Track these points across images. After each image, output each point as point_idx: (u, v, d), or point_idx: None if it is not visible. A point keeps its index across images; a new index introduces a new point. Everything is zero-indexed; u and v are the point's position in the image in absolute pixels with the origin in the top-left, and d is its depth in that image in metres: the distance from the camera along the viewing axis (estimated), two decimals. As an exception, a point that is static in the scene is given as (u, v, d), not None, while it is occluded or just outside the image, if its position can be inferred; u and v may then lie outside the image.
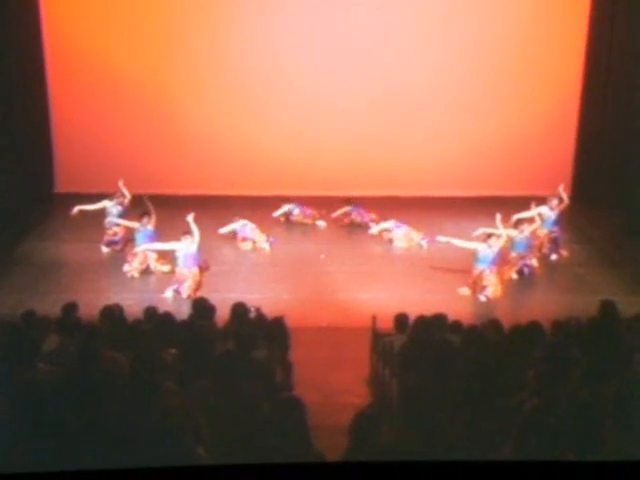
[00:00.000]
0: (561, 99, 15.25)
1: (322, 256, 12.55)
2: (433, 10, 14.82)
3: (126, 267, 11.68)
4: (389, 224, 13.14)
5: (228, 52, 14.95)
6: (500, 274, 11.31)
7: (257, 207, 13.40)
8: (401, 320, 8.00)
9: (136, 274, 11.63)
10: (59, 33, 14.64)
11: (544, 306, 10.82)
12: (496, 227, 11.36)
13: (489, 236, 11.19)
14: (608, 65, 14.72)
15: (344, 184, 14.07)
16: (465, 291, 11.20)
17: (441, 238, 11.67)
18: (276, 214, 13.80)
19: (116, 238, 12.52)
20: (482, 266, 11.13)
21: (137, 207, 12.32)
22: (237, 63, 14.97)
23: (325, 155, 15.14)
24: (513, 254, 11.80)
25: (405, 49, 14.95)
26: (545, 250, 12.47)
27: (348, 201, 13.87)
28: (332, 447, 4.89)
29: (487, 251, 11.13)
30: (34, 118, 14.66)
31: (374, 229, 13.25)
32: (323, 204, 14.00)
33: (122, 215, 12.50)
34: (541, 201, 12.43)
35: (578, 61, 15.02)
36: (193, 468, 4.30)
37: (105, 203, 12.59)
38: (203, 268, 11.27)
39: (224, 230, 12.90)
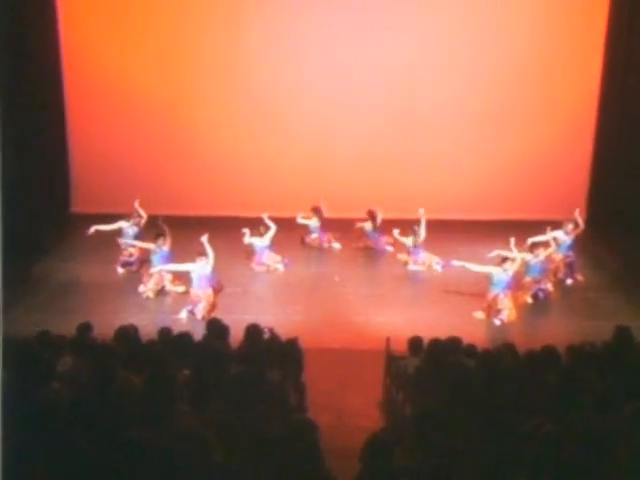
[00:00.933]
0: (576, 124, 15.25)
1: (336, 278, 12.56)
2: (449, 36, 14.89)
3: (141, 288, 11.73)
4: (409, 242, 13.10)
5: (245, 75, 15.06)
6: (515, 298, 11.28)
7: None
8: (415, 343, 7.99)
9: (151, 295, 11.68)
10: (77, 53, 14.79)
11: (559, 331, 10.77)
12: (510, 251, 11.33)
13: (504, 260, 11.16)
14: (623, 90, 14.72)
15: (359, 206, 14.07)
16: (480, 315, 11.16)
17: (456, 262, 11.62)
18: (300, 220, 13.84)
19: (132, 259, 12.59)
20: (497, 290, 11.10)
21: (153, 228, 12.39)
22: (254, 85, 15.07)
23: (340, 178, 15.18)
24: (528, 278, 11.76)
25: (420, 74, 15.00)
26: (560, 275, 12.43)
27: (371, 213, 13.87)
28: (344, 469, 4.89)
29: (502, 275, 11.10)
30: (51, 138, 14.80)
31: (396, 234, 13.16)
32: (338, 226, 14.01)
33: (138, 236, 12.57)
34: (556, 225, 12.40)
35: (593, 85, 15.03)
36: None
37: (121, 224, 12.67)
38: (217, 289, 11.32)
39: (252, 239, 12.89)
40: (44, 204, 14.16)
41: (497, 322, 10.99)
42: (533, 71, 14.96)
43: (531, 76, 14.99)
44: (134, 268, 12.48)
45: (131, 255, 12.57)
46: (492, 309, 11.09)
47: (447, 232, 14.11)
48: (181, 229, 12.48)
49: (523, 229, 12.52)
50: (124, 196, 14.03)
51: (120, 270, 12.54)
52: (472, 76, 15.01)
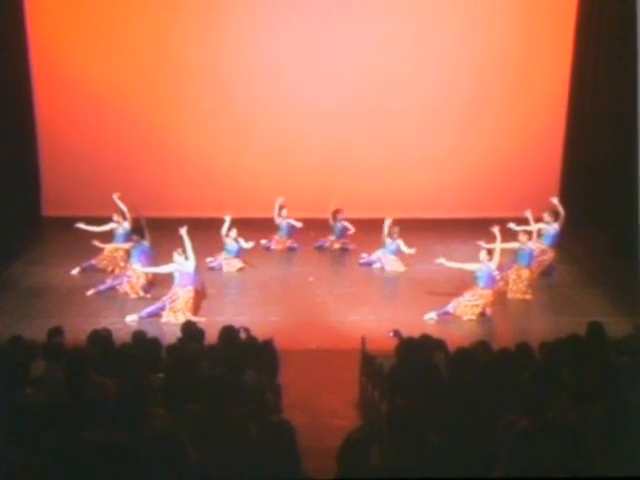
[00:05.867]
0: (547, 124, 15.40)
1: (310, 279, 12.56)
2: (420, 34, 14.99)
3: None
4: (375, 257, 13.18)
5: (219, 76, 15.05)
6: (497, 293, 11.32)
7: (244, 229, 13.34)
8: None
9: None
10: (46, 54, 14.70)
11: (533, 327, 10.86)
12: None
13: (489, 252, 11.18)
14: (593, 88, 14.86)
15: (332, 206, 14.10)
16: (471, 316, 11.13)
17: (441, 260, 11.52)
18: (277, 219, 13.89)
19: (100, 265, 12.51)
20: (481, 284, 11.13)
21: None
22: (227, 86, 15.09)
23: (313, 178, 15.22)
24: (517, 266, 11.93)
25: (391, 74, 15.09)
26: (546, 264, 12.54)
27: (338, 211, 13.83)
28: (321, 470, 4.88)
29: (484, 269, 11.14)
30: (21, 141, 14.65)
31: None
32: (312, 226, 13.99)
33: (129, 234, 12.37)
34: (521, 222, 12.43)
35: (563, 84, 15.18)
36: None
37: (111, 225, 12.54)
38: (199, 290, 11.22)
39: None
40: (15, 208, 14.00)
41: (469, 317, 11.05)
42: (504, 70, 15.10)
43: (502, 76, 15.13)
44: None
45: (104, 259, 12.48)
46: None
47: (422, 231, 14.17)
48: (152, 230, 12.36)
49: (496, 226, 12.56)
50: (96, 199, 13.96)
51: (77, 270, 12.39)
52: (444, 76, 15.10)
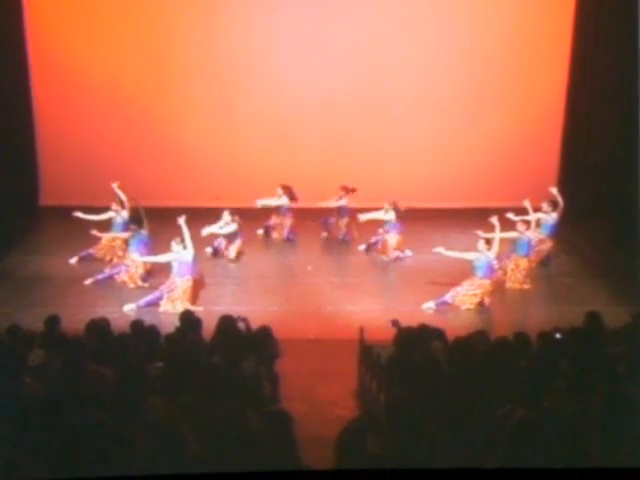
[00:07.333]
0: (546, 111, 15.35)
1: (309, 268, 12.56)
2: (419, 25, 14.92)
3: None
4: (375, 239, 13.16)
5: (214, 64, 14.99)
6: (496, 284, 11.32)
7: (241, 219, 13.33)
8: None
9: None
10: (44, 44, 14.61)
11: (531, 317, 10.87)
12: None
13: (487, 242, 11.19)
14: (592, 77, 14.84)
15: (331, 195, 14.08)
16: (469, 306, 11.14)
17: (438, 250, 11.50)
18: (263, 202, 13.66)
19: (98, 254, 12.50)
20: (479, 274, 11.13)
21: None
22: (224, 75, 15.02)
23: (312, 166, 15.17)
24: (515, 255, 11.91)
25: (389, 63, 15.04)
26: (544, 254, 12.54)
27: (345, 189, 13.70)
28: (319, 459, 4.89)
29: (482, 259, 11.14)
30: (18, 130, 14.59)
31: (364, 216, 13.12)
32: (310, 215, 13.99)
33: (127, 223, 12.33)
34: (520, 212, 12.42)
35: (562, 72, 15.14)
36: (178, 477, 4.30)
37: (110, 214, 12.52)
38: (197, 280, 11.19)
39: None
40: (12, 197, 13.98)
41: (465, 306, 11.05)
42: (502, 59, 15.04)
43: (500, 64, 15.07)
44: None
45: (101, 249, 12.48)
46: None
47: (420, 220, 14.16)
48: (150, 220, 12.35)
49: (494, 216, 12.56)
50: (94, 189, 13.94)
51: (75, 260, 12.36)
52: (443, 65, 15.04)
